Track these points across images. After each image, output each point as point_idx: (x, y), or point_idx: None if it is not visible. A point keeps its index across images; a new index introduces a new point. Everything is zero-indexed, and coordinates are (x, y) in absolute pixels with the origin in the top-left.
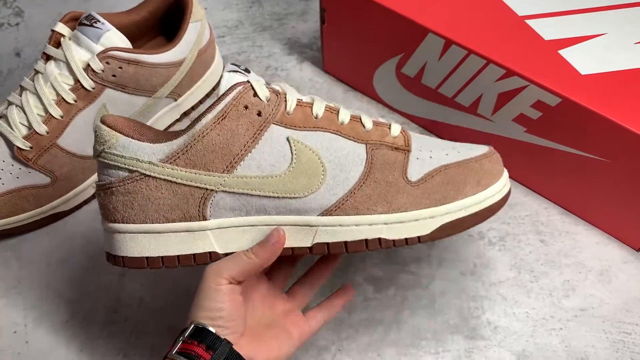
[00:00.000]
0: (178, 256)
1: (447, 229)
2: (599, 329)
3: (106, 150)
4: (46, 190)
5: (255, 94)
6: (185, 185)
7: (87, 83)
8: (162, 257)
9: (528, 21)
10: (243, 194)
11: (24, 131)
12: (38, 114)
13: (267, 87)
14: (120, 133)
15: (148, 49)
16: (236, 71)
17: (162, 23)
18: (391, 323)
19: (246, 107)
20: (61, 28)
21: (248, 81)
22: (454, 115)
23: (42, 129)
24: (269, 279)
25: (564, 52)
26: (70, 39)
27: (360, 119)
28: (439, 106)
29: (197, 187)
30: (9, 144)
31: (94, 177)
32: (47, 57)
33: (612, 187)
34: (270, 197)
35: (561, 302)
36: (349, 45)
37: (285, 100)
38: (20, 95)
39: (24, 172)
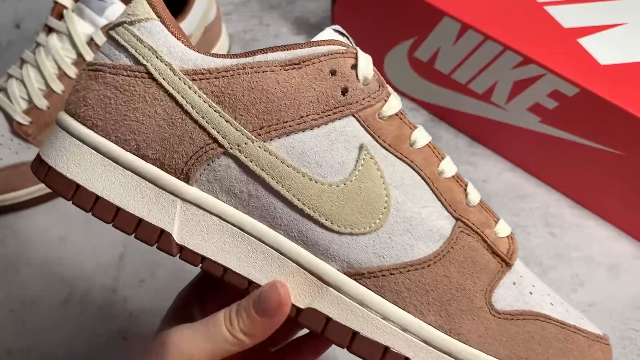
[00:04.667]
0: (119, 209)
1: None
2: (607, 324)
3: (126, 25)
4: None
5: (354, 67)
6: (192, 118)
7: (90, 57)
8: (97, 197)
9: (547, 7)
10: (259, 177)
11: (24, 105)
12: (39, 88)
13: (374, 70)
14: (158, 16)
15: None
16: (343, 34)
17: None
18: None
19: (333, 73)
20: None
21: (355, 49)
22: (467, 103)
23: (42, 103)
24: None
25: (584, 41)
26: (73, 11)
27: (466, 187)
28: (451, 92)
29: (206, 130)
30: (9, 118)
31: None
32: (49, 30)
33: (626, 181)
34: (292, 204)
35: (569, 297)
36: (360, 27)
37: (386, 100)
38: (21, 68)
39: (23, 148)
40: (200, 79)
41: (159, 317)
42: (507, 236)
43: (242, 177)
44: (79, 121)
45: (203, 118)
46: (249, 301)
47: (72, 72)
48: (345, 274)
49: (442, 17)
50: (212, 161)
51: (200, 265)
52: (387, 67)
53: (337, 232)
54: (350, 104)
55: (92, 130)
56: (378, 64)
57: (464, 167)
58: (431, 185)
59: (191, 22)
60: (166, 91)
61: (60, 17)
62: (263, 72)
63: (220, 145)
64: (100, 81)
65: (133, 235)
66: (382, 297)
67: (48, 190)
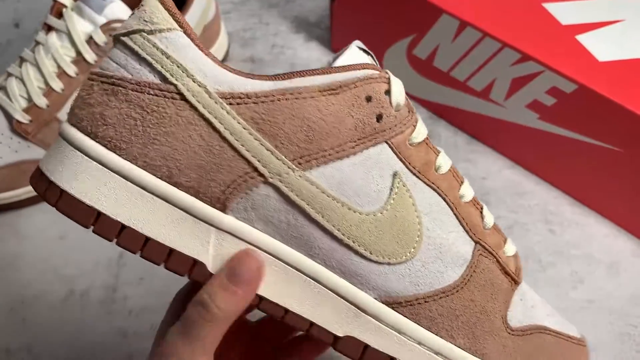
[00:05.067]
0: (148, 238)
1: None
2: (606, 321)
3: (145, 34)
4: None
5: (388, 92)
6: (231, 146)
7: (89, 56)
8: (122, 226)
9: (545, 5)
10: (299, 207)
11: (24, 104)
12: (38, 87)
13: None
14: (180, 26)
15: None
16: (367, 53)
17: None
18: None
19: (368, 99)
20: None
21: (387, 73)
22: (465, 100)
23: (42, 102)
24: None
25: (582, 38)
26: (72, 10)
27: (482, 210)
28: (450, 90)
29: (246, 158)
30: (8, 117)
31: None
32: (49, 28)
33: (625, 178)
34: (332, 234)
35: (568, 294)
36: (359, 25)
37: (415, 126)
38: (20, 67)
39: (23, 146)
40: (238, 104)
41: (158, 314)
42: (514, 253)
43: (281, 207)
44: (97, 141)
45: (243, 146)
46: (224, 279)
47: (71, 70)
48: (383, 302)
49: (441, 14)
50: (251, 190)
51: None
52: (386, 65)
53: (376, 262)
54: (384, 130)
55: (115, 152)
56: (377, 61)
57: (463, 164)
58: (455, 210)
59: (190, 21)
60: (201, 115)
61: (60, 15)
62: (303, 98)
63: (261, 175)
64: (122, 98)
65: (163, 266)
66: (417, 324)
67: None
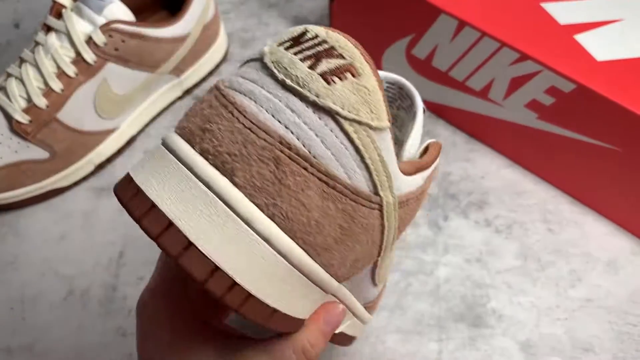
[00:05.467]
0: (297, 320)
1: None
2: (605, 319)
3: (370, 130)
4: (45, 165)
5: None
6: (382, 245)
7: (89, 56)
8: (274, 310)
9: (544, 4)
10: (376, 268)
11: (23, 104)
12: (38, 87)
13: None
14: (389, 121)
15: (151, 22)
16: (423, 110)
17: None
18: (395, 309)
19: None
20: None
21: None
22: (464, 100)
23: (41, 102)
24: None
25: (580, 37)
26: (72, 11)
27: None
28: (449, 90)
29: (380, 252)
30: (8, 117)
31: (94, 152)
32: (48, 29)
33: (624, 177)
34: (375, 280)
35: (567, 292)
36: (358, 25)
37: None
38: (20, 67)
39: (22, 146)
40: (401, 207)
41: None
42: None
43: (368, 271)
44: (299, 244)
45: (386, 244)
46: (322, 327)
47: (71, 71)
48: (364, 306)
49: (439, 14)
50: (364, 268)
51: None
52: (385, 65)
53: (377, 286)
54: None
55: (311, 257)
56: (376, 61)
57: (461, 164)
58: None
59: (189, 21)
60: (382, 223)
61: (59, 16)
62: (415, 198)
63: (378, 257)
64: (339, 207)
65: (280, 332)
66: (369, 313)
67: (47, 189)
